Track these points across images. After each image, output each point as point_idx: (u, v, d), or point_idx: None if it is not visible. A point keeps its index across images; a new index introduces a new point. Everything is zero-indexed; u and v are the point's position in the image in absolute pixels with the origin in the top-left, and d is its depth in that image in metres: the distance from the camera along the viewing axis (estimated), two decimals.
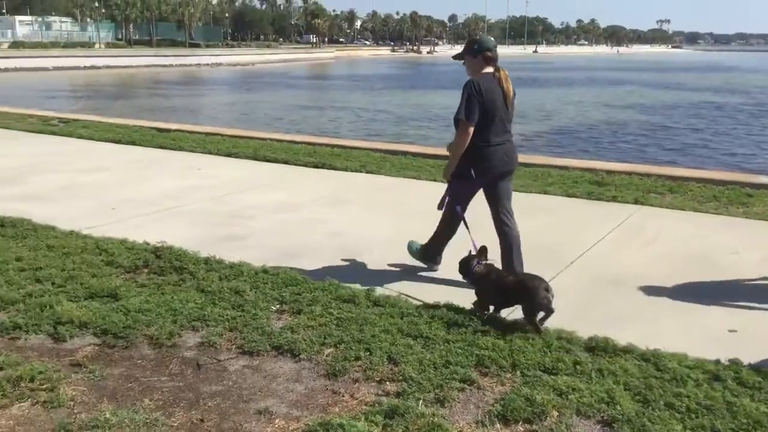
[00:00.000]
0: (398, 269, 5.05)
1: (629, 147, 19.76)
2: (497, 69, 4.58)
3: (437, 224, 4.89)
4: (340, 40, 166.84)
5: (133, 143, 10.49)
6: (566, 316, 3.98)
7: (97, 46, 72.68)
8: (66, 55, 62.46)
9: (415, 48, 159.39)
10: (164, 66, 68.53)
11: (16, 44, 65.17)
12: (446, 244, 4.91)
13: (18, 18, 77.88)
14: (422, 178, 8.27)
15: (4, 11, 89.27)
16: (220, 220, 6.37)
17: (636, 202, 7.10)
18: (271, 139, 11.05)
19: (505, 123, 4.57)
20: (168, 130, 11.81)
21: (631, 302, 4.48)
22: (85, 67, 60.92)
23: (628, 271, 5.05)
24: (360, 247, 5.57)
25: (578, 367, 3.39)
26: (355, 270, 4.98)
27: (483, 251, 4.35)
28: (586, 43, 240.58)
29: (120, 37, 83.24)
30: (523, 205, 7.01)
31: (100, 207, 6.73)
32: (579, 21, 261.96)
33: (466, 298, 4.24)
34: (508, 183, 4.71)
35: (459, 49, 5.06)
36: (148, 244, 5.30)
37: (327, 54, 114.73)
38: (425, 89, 47.29)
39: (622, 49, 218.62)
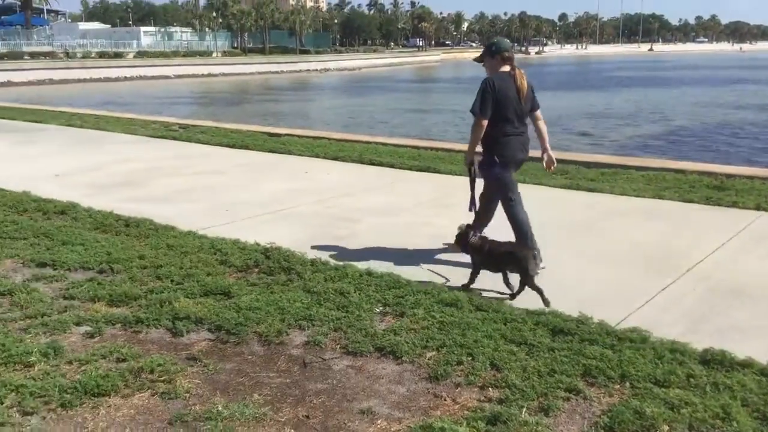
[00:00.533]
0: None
1: (750, 150, 18.56)
2: (513, 67, 5.03)
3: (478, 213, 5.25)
4: (447, 42, 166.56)
5: (246, 147, 10.93)
6: (681, 327, 3.80)
7: (214, 54, 76.24)
8: (186, 63, 65.90)
9: (524, 48, 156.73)
10: (276, 72, 70.98)
11: (141, 54, 69.40)
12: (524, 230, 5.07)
13: (143, 29, 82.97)
14: (528, 182, 8.12)
15: (131, 23, 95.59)
16: (326, 222, 6.52)
17: (758, 207, 6.67)
18: (376, 143, 11.20)
19: (519, 116, 5.01)
20: (278, 135, 12.22)
21: (751, 313, 4.21)
22: (203, 75, 64.03)
23: (749, 280, 4.75)
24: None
25: (692, 380, 3.23)
26: (458, 274, 4.95)
27: (470, 228, 4.81)
28: (706, 40, 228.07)
29: (235, 45, 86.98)
30: (636, 209, 6.79)
31: (214, 208, 7.05)
32: (698, 18, 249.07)
33: (561, 302, 4.13)
34: (515, 171, 5.22)
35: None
36: (258, 244, 5.51)
37: (432, 57, 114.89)
38: None
39: (746, 46, 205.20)
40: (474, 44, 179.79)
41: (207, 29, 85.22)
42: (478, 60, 5.28)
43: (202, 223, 6.34)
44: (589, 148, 18.40)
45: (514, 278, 4.47)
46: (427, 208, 7.06)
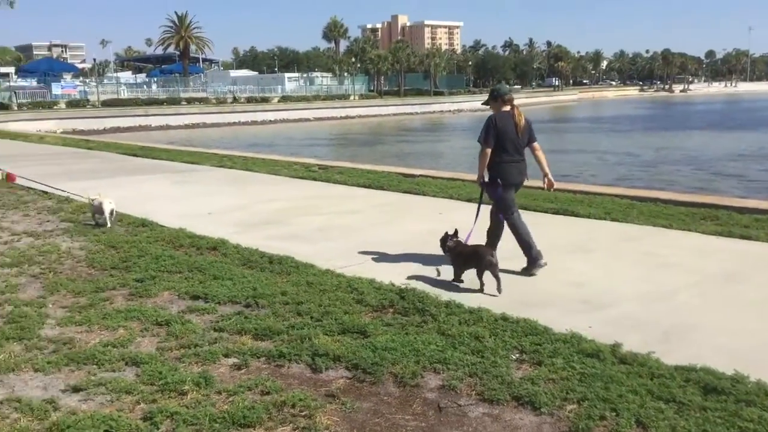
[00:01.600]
0: (650, 327, 4.72)
1: None
2: (513, 107, 6.26)
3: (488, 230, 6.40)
4: (584, 81, 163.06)
5: (381, 188, 11.20)
6: None
7: (351, 97, 79.21)
8: (325, 106, 68.94)
9: (667, 87, 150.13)
10: (410, 114, 72.53)
11: (284, 98, 73.48)
12: (531, 243, 6.20)
13: (287, 75, 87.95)
14: (675, 227, 7.72)
15: (276, 69, 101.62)
16: None
17: None
18: None
19: (517, 147, 6.19)
20: (413, 176, 12.43)
21: None
22: (340, 117, 66.60)
23: None
24: (605, 299, 5.33)
25: None
26: (599, 324, 4.76)
27: (455, 233, 6.07)
28: None
29: (372, 88, 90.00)
30: None
31: (351, 248, 7.25)
32: None
33: (713, 357, 3.84)
34: (514, 192, 6.38)
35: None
36: (393, 285, 5.59)
37: (569, 96, 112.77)
38: (677, 130, 44.24)
39: None
40: (614, 83, 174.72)
41: (346, 74, 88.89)
42: (484, 103, 6.48)
43: (340, 262, 6.54)
44: (742, 192, 17.20)
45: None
46: (564, 253, 6.87)
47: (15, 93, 59.31)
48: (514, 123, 6.17)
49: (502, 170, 6.19)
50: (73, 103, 58.91)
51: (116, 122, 50.86)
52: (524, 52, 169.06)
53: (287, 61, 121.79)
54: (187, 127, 53.68)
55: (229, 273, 6.09)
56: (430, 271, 6.22)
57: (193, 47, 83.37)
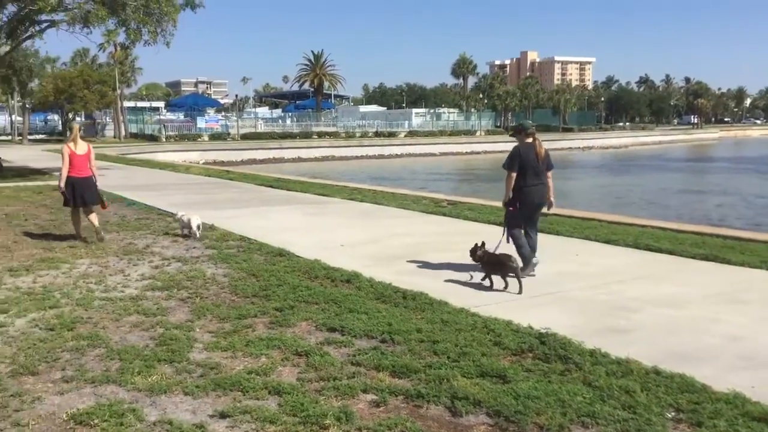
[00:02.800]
0: None
1: None
2: (535, 139, 7.50)
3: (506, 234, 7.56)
4: (726, 119, 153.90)
5: None
6: None
7: (478, 133, 79.16)
8: (451, 142, 69.26)
9: None
10: None
11: (411, 133, 74.64)
12: (523, 243, 7.46)
13: (414, 110, 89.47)
14: None
15: (404, 105, 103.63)
16: (600, 310, 6.21)
17: None
18: (652, 227, 10.54)
19: (537, 173, 7.39)
20: (544, 215, 12.07)
21: None
22: (466, 153, 66.58)
23: None
24: (766, 356, 4.87)
25: None
26: (763, 384, 4.33)
27: (483, 245, 7.19)
28: None
29: (498, 124, 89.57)
30: None
31: (484, 286, 7.11)
32: None
33: None
34: (538, 212, 7.73)
35: None
36: (532, 328, 5.40)
37: (709, 135, 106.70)
38: None
39: None
40: (759, 121, 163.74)
41: (473, 109, 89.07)
42: (511, 135, 7.90)
43: (474, 301, 6.42)
44: None
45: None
46: (716, 303, 6.38)
47: (164, 126, 64.15)
48: (536, 153, 7.44)
49: (524, 194, 7.43)
50: (215, 136, 62.83)
51: (253, 154, 53.58)
52: (660, 89, 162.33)
53: (415, 97, 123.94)
54: (317, 159, 55.63)
55: (364, 307, 6.13)
56: (570, 315, 5.97)
57: (326, 84, 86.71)
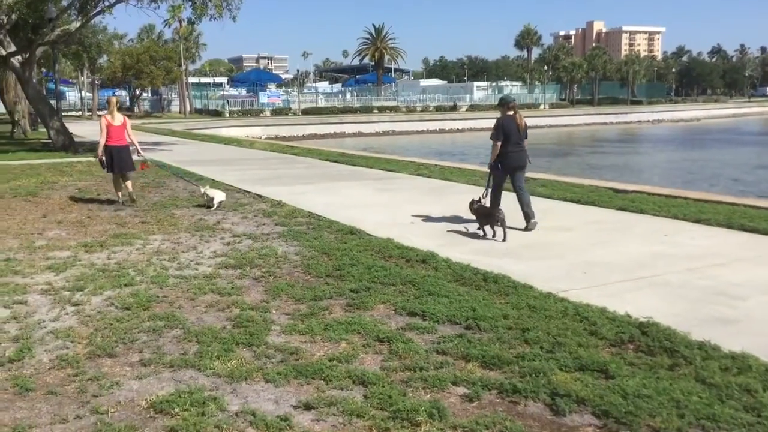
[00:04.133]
0: None
1: None
2: (515, 112, 8.67)
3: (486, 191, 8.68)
4: None
5: (592, 203, 10.46)
6: None
7: (542, 106, 77.33)
8: None
9: None
10: (603, 124, 69.15)
11: (472, 107, 73.50)
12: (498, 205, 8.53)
13: (476, 84, 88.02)
14: None
15: (466, 78, 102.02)
16: (701, 296, 5.73)
17: None
18: (744, 205, 9.85)
19: (518, 141, 8.56)
20: (625, 191, 11.51)
21: None
22: (530, 127, 65.12)
23: None
24: None
25: None
26: None
27: (479, 199, 8.41)
28: None
29: (564, 97, 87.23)
30: None
31: (570, 269, 6.71)
32: None
33: None
34: (522, 172, 8.80)
35: None
36: (630, 316, 5.00)
37: None
38: None
39: None
40: None
41: (537, 82, 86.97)
42: (496, 108, 9.26)
43: (560, 284, 6.04)
44: None
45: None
46: None
47: (227, 101, 65.01)
48: (516, 124, 8.62)
49: (506, 158, 8.63)
50: (276, 111, 63.36)
51: (314, 129, 53.76)
52: (734, 59, 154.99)
53: (476, 70, 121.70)
54: (378, 134, 55.39)
55: (444, 289, 5.83)
56: (669, 302, 5.53)
57: (386, 58, 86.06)
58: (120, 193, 11.17)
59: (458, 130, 60.97)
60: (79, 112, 67.32)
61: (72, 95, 76.79)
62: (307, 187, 13.12)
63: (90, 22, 25.72)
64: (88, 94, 66.84)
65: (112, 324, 5.05)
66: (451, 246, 7.73)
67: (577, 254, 7.33)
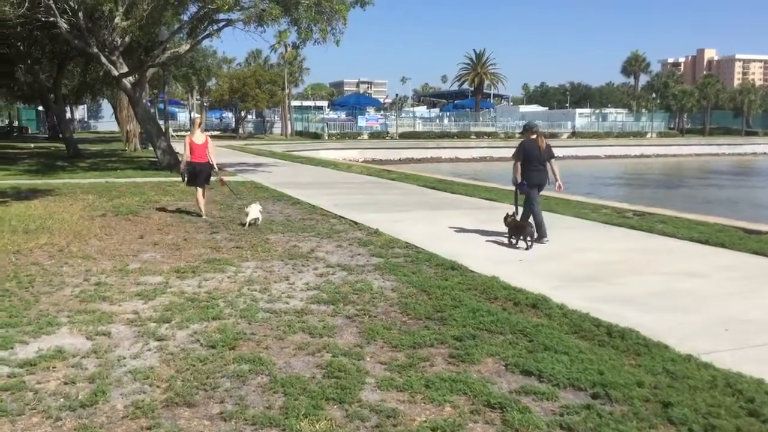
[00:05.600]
0: None
1: None
2: (538, 136, 9.78)
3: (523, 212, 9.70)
4: None
5: (721, 245, 9.36)
6: None
7: (648, 135, 74.02)
8: (618, 144, 65.17)
9: None
10: (715, 155, 65.28)
11: (574, 134, 71.27)
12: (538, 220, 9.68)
13: (578, 111, 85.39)
14: None
15: (568, 105, 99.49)
16: None
17: None
18: None
19: (539, 161, 9.70)
20: (758, 232, 10.29)
21: None
22: (634, 156, 62.38)
23: None
24: None
25: None
26: None
27: (513, 214, 9.54)
28: None
29: (672, 126, 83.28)
30: None
31: (708, 324, 5.80)
32: None
33: None
34: (538, 190, 9.89)
35: None
36: None
37: None
38: None
39: None
40: None
41: (644, 110, 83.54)
42: (519, 134, 10.91)
43: (700, 344, 5.17)
44: None
45: None
46: None
47: (327, 124, 66.07)
48: (538, 146, 9.65)
49: (529, 176, 9.65)
50: (374, 134, 63.74)
51: (410, 153, 53.48)
52: None
53: (578, 96, 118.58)
54: (475, 160, 54.43)
55: (562, 344, 5.09)
56: None
57: (486, 83, 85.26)
58: (203, 207, 11.93)
59: (558, 158, 58.98)
60: (188, 133, 70.19)
61: (182, 116, 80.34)
62: (404, 215, 12.60)
63: (199, 45, 26.51)
64: (196, 114, 69.68)
65: (194, 365, 4.63)
66: (564, 289, 6.95)
67: (714, 306, 6.38)
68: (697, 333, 5.53)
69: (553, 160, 9.90)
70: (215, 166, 12.22)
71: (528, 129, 9.99)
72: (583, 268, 8.04)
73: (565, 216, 12.53)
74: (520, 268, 8.00)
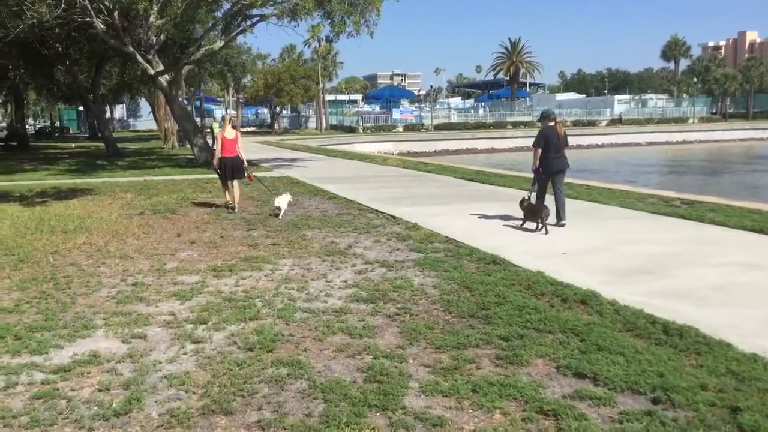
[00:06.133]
0: None
1: None
2: (556, 123, 10.11)
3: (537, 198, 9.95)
4: None
5: None
6: None
7: (690, 120, 72.18)
8: (659, 130, 63.71)
9: None
10: (760, 139, 63.34)
11: (613, 121, 69.88)
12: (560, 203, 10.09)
13: (616, 97, 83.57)
14: None
15: (606, 92, 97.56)
16: None
17: None
18: None
19: (559, 148, 10.00)
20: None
21: None
22: (676, 142, 60.91)
23: None
24: None
25: None
26: None
27: (529, 198, 9.91)
28: None
29: (714, 111, 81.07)
30: None
31: None
32: None
33: None
34: (561, 175, 10.18)
35: None
36: None
37: None
38: None
39: None
40: None
41: (685, 95, 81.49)
42: (538, 121, 11.05)
43: (765, 343, 4.82)
44: None
45: None
46: None
47: (361, 117, 65.95)
48: (557, 133, 9.94)
49: (547, 163, 9.95)
50: (408, 127, 63.38)
51: (445, 145, 53.10)
52: None
53: (617, 83, 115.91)
54: (511, 150, 53.69)
55: (616, 343, 4.80)
56: None
57: (521, 72, 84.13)
58: (228, 199, 12.50)
59: (597, 146, 58.06)
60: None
61: (219, 113, 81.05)
62: (442, 208, 12.34)
63: (233, 42, 26.54)
64: (233, 112, 70.19)
65: (231, 369, 4.47)
66: (615, 284, 6.63)
67: None
68: (761, 330, 5.18)
69: (565, 148, 10.26)
70: (245, 162, 12.65)
71: (546, 116, 10.27)
72: (633, 261, 7.69)
73: (610, 206, 12.12)
74: (566, 262, 7.69)
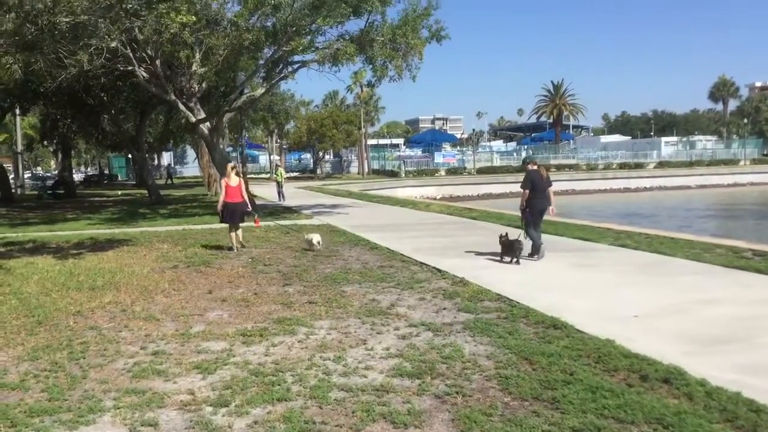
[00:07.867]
0: None
1: None
2: (539, 167, 11.66)
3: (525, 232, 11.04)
4: None
5: None
6: None
7: (741, 162, 69.94)
8: (709, 173, 61.80)
9: None
10: None
11: (661, 164, 68.12)
12: (536, 237, 11.26)
13: (663, 139, 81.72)
14: None
15: (652, 134, 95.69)
16: None
17: None
18: None
19: (542, 190, 11.29)
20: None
21: None
22: (727, 185, 58.93)
23: None
24: None
25: None
26: None
27: (507, 235, 10.93)
28: None
29: (766, 152, 78.56)
30: None
31: None
32: None
33: None
34: (541, 216, 11.55)
35: None
36: None
37: None
38: None
39: None
40: None
41: (734, 136, 79.27)
42: (522, 165, 14.49)
43: None
44: None
45: None
46: None
47: (403, 162, 65.69)
48: (541, 175, 11.36)
49: (533, 203, 11.30)
50: (451, 171, 62.86)
51: (489, 189, 52.31)
52: None
53: (663, 124, 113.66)
54: (556, 193, 52.42)
55: None
56: None
57: (564, 114, 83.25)
58: (234, 241, 13.27)
59: (645, 189, 56.53)
60: (268, 175, 71.31)
61: (263, 159, 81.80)
62: (490, 261, 11.51)
63: (276, 88, 26.48)
64: (276, 157, 70.75)
65: None
66: (699, 355, 5.73)
67: None
68: None
69: (550, 188, 11.51)
70: (249, 206, 13.89)
71: (528, 161, 12.08)
72: (714, 326, 6.75)
73: (676, 258, 11.13)
74: (637, 326, 6.79)
